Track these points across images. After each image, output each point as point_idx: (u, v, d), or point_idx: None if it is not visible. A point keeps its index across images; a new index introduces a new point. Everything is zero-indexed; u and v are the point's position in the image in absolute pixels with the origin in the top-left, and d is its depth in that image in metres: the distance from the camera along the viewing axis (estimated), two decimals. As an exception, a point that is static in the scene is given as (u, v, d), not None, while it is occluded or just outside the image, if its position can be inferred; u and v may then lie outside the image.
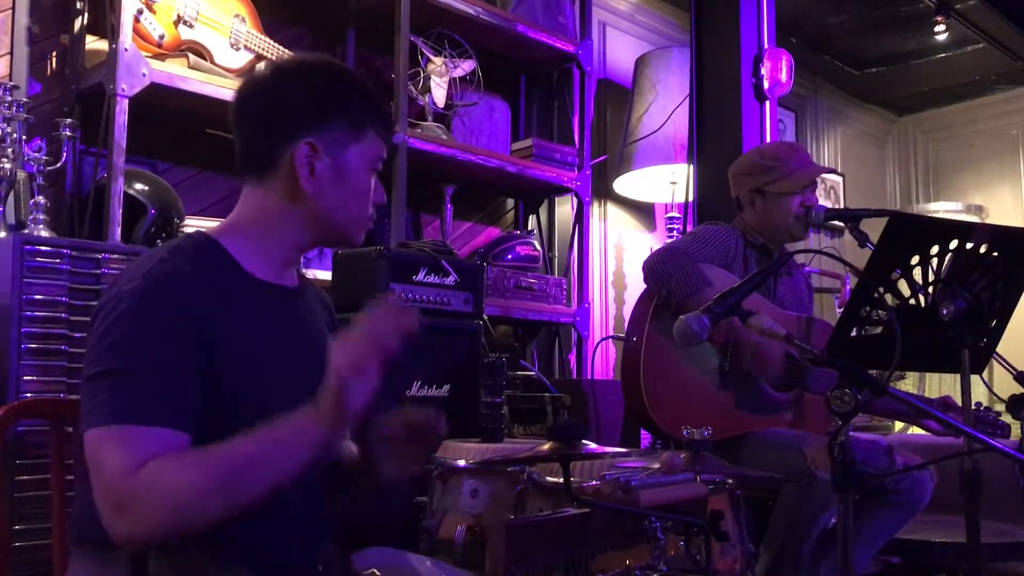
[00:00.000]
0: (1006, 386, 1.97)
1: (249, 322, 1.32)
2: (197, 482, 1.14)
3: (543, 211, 4.03)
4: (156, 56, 2.61)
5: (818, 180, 2.77)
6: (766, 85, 3.64)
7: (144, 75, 2.50)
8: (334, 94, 1.41)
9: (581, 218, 3.78)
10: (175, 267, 1.26)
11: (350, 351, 1.19)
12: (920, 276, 1.72)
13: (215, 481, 1.15)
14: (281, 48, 2.91)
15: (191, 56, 2.69)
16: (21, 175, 2.36)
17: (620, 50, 4.48)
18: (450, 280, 2.59)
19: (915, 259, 1.71)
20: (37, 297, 1.99)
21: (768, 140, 3.71)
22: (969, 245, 1.71)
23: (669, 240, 3.79)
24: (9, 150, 2.26)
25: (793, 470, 2.25)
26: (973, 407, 2.26)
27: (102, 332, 1.21)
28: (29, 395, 1.95)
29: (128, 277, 1.26)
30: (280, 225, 1.38)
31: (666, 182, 4.06)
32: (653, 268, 2.46)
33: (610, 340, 4.13)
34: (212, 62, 2.73)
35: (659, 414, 2.43)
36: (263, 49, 2.86)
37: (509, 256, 3.56)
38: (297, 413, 1.20)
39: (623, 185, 4.20)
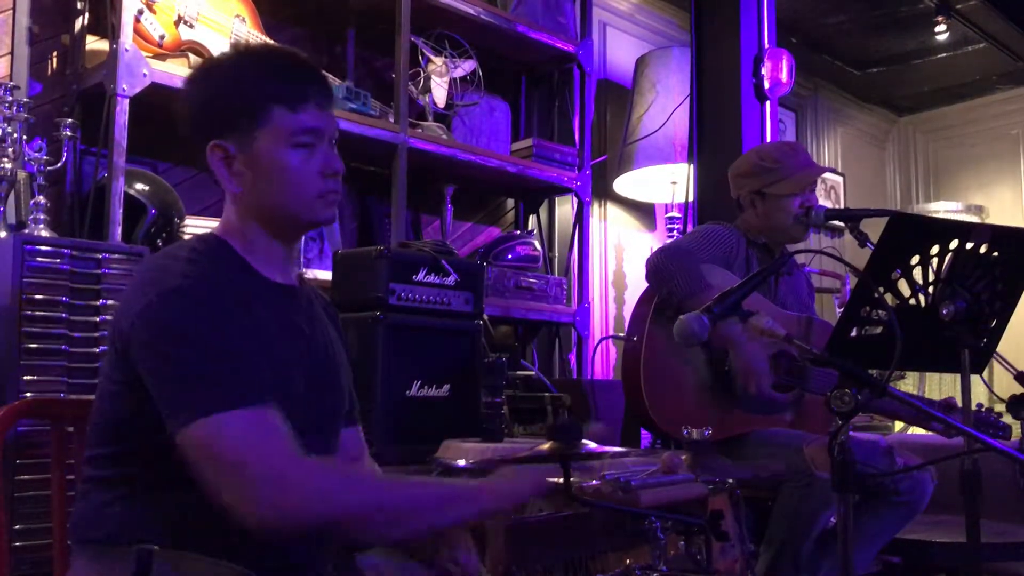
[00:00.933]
0: (1006, 386, 1.97)
1: (266, 319, 1.33)
2: (367, 500, 1.19)
3: (543, 211, 4.03)
4: (156, 56, 2.61)
5: (818, 180, 2.77)
6: (766, 85, 3.64)
7: (144, 75, 2.50)
8: (222, 89, 1.37)
9: (581, 218, 3.78)
10: (203, 265, 1.28)
11: (538, 484, 1.30)
12: (920, 276, 1.72)
13: (383, 507, 1.20)
14: (268, 44, 2.90)
15: (191, 56, 2.69)
16: (21, 175, 2.36)
17: (620, 50, 4.48)
18: (450, 280, 2.59)
19: (915, 259, 1.71)
20: (37, 297, 1.99)
21: (768, 140, 3.70)
22: (969, 245, 1.71)
23: (670, 240, 3.79)
24: (9, 150, 2.26)
25: (792, 469, 2.26)
26: (974, 408, 2.26)
27: (164, 330, 1.21)
28: (29, 395, 1.95)
29: (158, 278, 1.26)
30: (247, 225, 1.38)
31: (666, 182, 4.06)
32: (656, 267, 2.46)
33: (610, 340, 4.13)
34: (212, 62, 2.74)
35: (659, 414, 2.43)
36: (263, 49, 2.86)
37: (509, 256, 3.56)
38: (472, 486, 1.29)
39: (623, 185, 4.20)
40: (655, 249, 2.54)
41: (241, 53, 1.46)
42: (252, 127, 1.33)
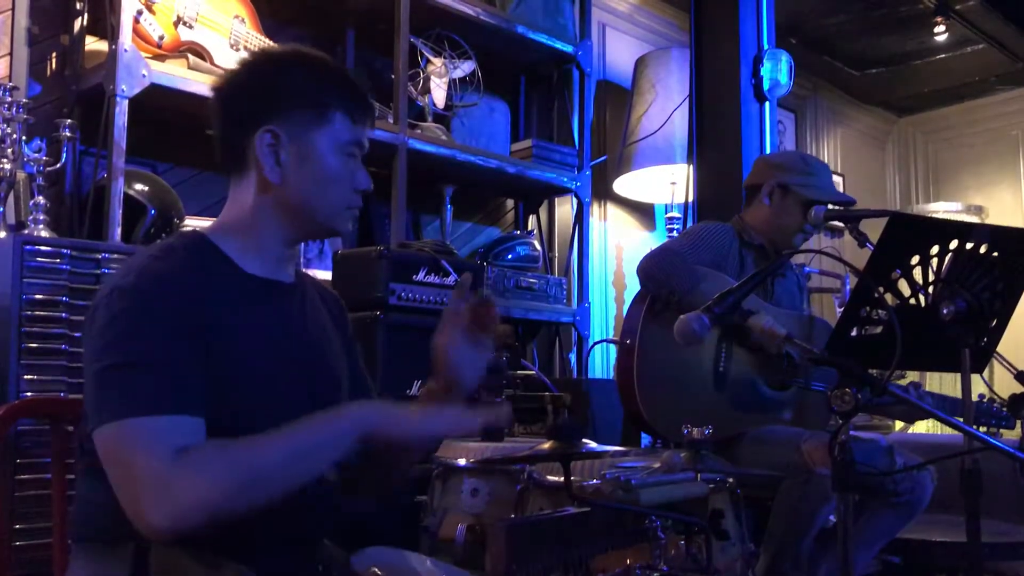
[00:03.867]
0: (1006, 386, 1.97)
1: (245, 317, 1.32)
2: (239, 472, 1.16)
3: (543, 211, 4.03)
4: (156, 57, 2.62)
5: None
6: (766, 85, 3.64)
7: (144, 76, 2.50)
8: (293, 80, 1.38)
9: (581, 218, 3.79)
10: (168, 264, 1.26)
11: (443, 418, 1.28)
12: (920, 276, 1.71)
13: (256, 472, 1.17)
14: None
15: (191, 57, 2.69)
16: (21, 175, 2.36)
17: (620, 50, 4.49)
18: (450, 280, 2.59)
19: (915, 259, 1.71)
20: (37, 297, 2.00)
21: (768, 141, 3.71)
22: (969, 245, 1.71)
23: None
24: (9, 151, 2.26)
25: (791, 467, 2.25)
26: (976, 399, 2.26)
27: (101, 328, 1.21)
28: (29, 395, 1.95)
29: (121, 274, 1.26)
30: (262, 219, 1.37)
31: (666, 182, 4.06)
32: (648, 270, 2.46)
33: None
34: (212, 63, 2.74)
35: (653, 416, 2.43)
36: (263, 49, 2.86)
37: (509, 256, 3.56)
38: (337, 414, 1.24)
39: (623, 185, 4.20)
40: (645, 255, 2.52)
41: (307, 54, 1.46)
42: (312, 123, 1.35)
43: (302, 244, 2.58)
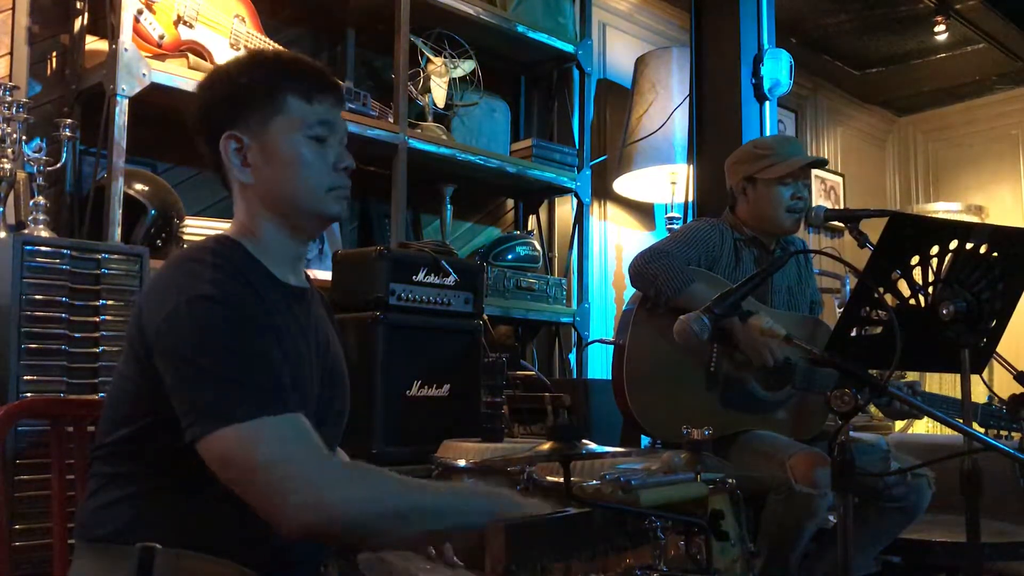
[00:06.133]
0: (1006, 386, 1.97)
1: (289, 323, 1.35)
2: (390, 500, 1.19)
3: (543, 211, 4.03)
4: (156, 56, 2.61)
5: (813, 175, 2.75)
6: (766, 85, 3.63)
7: (144, 75, 2.50)
8: (240, 82, 1.39)
9: (581, 218, 3.79)
10: (230, 270, 1.28)
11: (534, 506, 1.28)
12: (920, 276, 1.71)
13: (403, 508, 1.19)
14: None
15: (191, 56, 2.69)
16: (21, 175, 2.36)
17: (620, 50, 4.48)
18: (450, 280, 2.59)
19: (915, 259, 1.71)
20: (37, 297, 1.99)
21: (768, 140, 3.70)
22: (969, 245, 1.71)
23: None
24: (9, 150, 2.26)
25: (775, 481, 2.23)
26: (984, 401, 2.25)
27: (197, 340, 1.21)
28: (29, 395, 1.95)
29: (187, 282, 1.25)
30: (258, 221, 1.39)
31: (666, 182, 4.06)
32: (639, 271, 2.45)
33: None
34: (212, 62, 2.73)
35: (643, 416, 2.42)
36: (263, 49, 2.86)
37: (509, 256, 3.56)
38: (490, 492, 1.29)
39: (623, 185, 4.20)
40: (636, 255, 2.52)
41: (256, 52, 1.49)
42: (267, 116, 1.36)
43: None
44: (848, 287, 4.37)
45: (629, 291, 2.59)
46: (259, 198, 1.38)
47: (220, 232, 1.42)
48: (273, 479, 1.15)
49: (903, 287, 1.72)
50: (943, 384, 4.82)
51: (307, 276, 1.51)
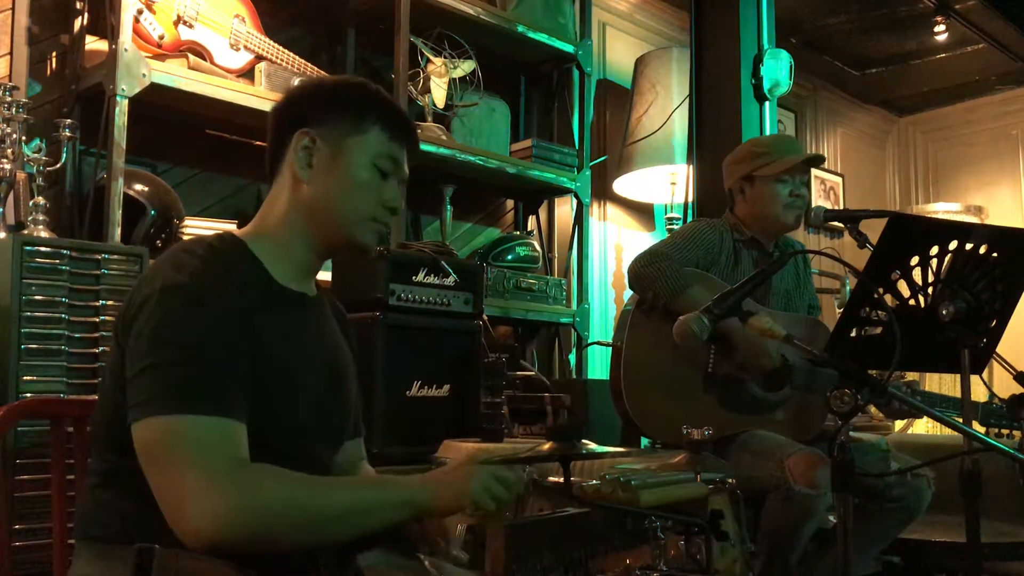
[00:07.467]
0: (1006, 386, 1.97)
1: (277, 326, 1.34)
2: (295, 506, 1.18)
3: (543, 212, 4.03)
4: (156, 56, 2.61)
5: (813, 176, 2.74)
6: (766, 85, 3.64)
7: (144, 75, 2.50)
8: (335, 90, 1.47)
9: (581, 219, 3.78)
10: (217, 265, 1.28)
11: (493, 480, 1.28)
12: (920, 276, 1.72)
13: (311, 513, 1.19)
14: (281, 48, 2.91)
15: (191, 56, 2.69)
16: (21, 175, 2.36)
17: (620, 50, 4.49)
18: (450, 281, 2.59)
19: (915, 260, 1.71)
20: (37, 297, 2.00)
21: (767, 140, 3.70)
22: (969, 245, 1.71)
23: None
24: (9, 151, 2.26)
25: (774, 481, 2.23)
26: (986, 400, 2.25)
27: (156, 325, 1.21)
28: (29, 395, 1.95)
29: (170, 271, 1.26)
30: (291, 221, 1.40)
31: (666, 182, 4.06)
32: (637, 273, 2.45)
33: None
34: (212, 62, 2.74)
35: (642, 420, 2.42)
36: (263, 50, 2.86)
37: (509, 257, 3.56)
38: (399, 482, 1.27)
39: (623, 185, 4.20)
40: (635, 256, 2.52)
41: (365, 79, 1.55)
42: (348, 132, 1.41)
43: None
44: (848, 287, 4.38)
45: (629, 291, 2.59)
46: (303, 199, 1.40)
47: (206, 231, 1.42)
48: (180, 482, 1.14)
49: (903, 287, 1.72)
50: (943, 384, 4.83)
51: (319, 287, 1.51)
